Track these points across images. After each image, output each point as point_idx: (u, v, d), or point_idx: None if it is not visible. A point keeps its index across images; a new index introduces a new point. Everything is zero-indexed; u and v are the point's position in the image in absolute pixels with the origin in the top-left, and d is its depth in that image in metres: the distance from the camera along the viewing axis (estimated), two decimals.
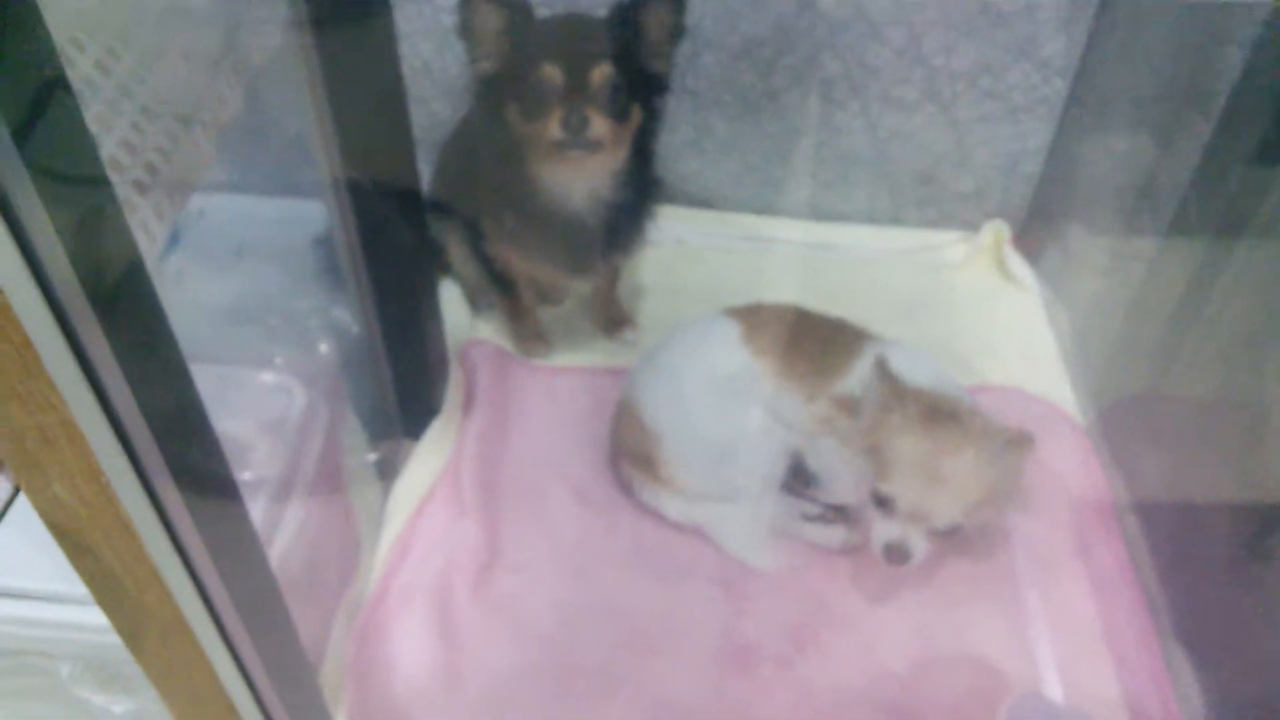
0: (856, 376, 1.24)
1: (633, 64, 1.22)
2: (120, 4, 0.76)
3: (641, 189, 1.34)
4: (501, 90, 1.24)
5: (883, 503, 1.14)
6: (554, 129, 1.19)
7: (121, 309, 0.56)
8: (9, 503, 1.02)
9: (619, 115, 1.22)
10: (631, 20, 1.21)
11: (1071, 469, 1.38)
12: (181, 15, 0.88)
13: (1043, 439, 1.35)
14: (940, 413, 1.15)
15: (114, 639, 0.98)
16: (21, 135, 0.47)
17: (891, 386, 1.15)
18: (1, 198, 0.47)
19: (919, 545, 1.14)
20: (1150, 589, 1.25)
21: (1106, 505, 1.34)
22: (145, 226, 0.66)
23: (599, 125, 1.19)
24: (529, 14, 1.22)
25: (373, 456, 1.34)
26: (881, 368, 1.16)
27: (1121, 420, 1.41)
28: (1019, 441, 1.16)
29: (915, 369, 1.23)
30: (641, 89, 1.24)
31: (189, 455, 0.61)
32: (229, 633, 0.67)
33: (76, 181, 0.53)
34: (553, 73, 1.18)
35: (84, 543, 0.56)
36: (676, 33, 1.23)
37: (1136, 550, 1.29)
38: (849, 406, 1.21)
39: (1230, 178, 1.24)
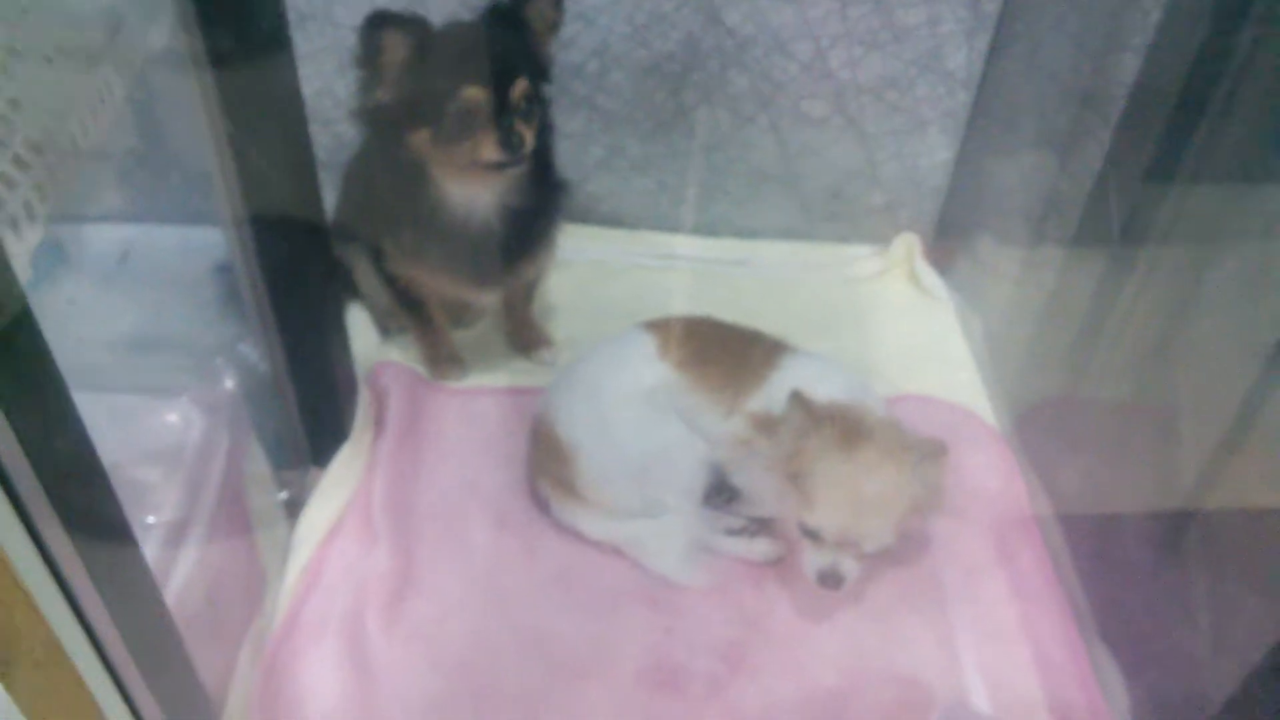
0: (773, 389, 1.23)
1: (531, 64, 1.21)
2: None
3: (546, 190, 1.33)
4: (404, 116, 1.20)
5: (810, 533, 1.14)
6: (488, 151, 1.18)
7: None
8: None
9: (536, 122, 1.21)
10: (517, 19, 1.20)
11: (990, 475, 1.38)
12: (66, 18, 0.84)
13: (960, 446, 1.36)
14: (856, 435, 1.14)
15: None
16: None
17: (807, 414, 1.14)
18: None
19: (851, 569, 1.14)
20: (1072, 591, 1.26)
21: (1026, 509, 1.35)
22: (14, 222, 0.61)
23: (529, 139, 1.19)
24: (432, 36, 1.19)
25: (278, 485, 1.29)
26: (797, 398, 1.14)
27: (1038, 425, 1.42)
28: (934, 452, 1.16)
29: (830, 381, 1.22)
30: (537, 85, 1.23)
31: (61, 467, 0.57)
32: (112, 661, 0.62)
33: None
34: (477, 95, 1.16)
35: None
36: (557, 22, 1.23)
37: (1057, 553, 1.29)
38: (767, 426, 1.20)
39: (1131, 183, 1.26)
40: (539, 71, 1.23)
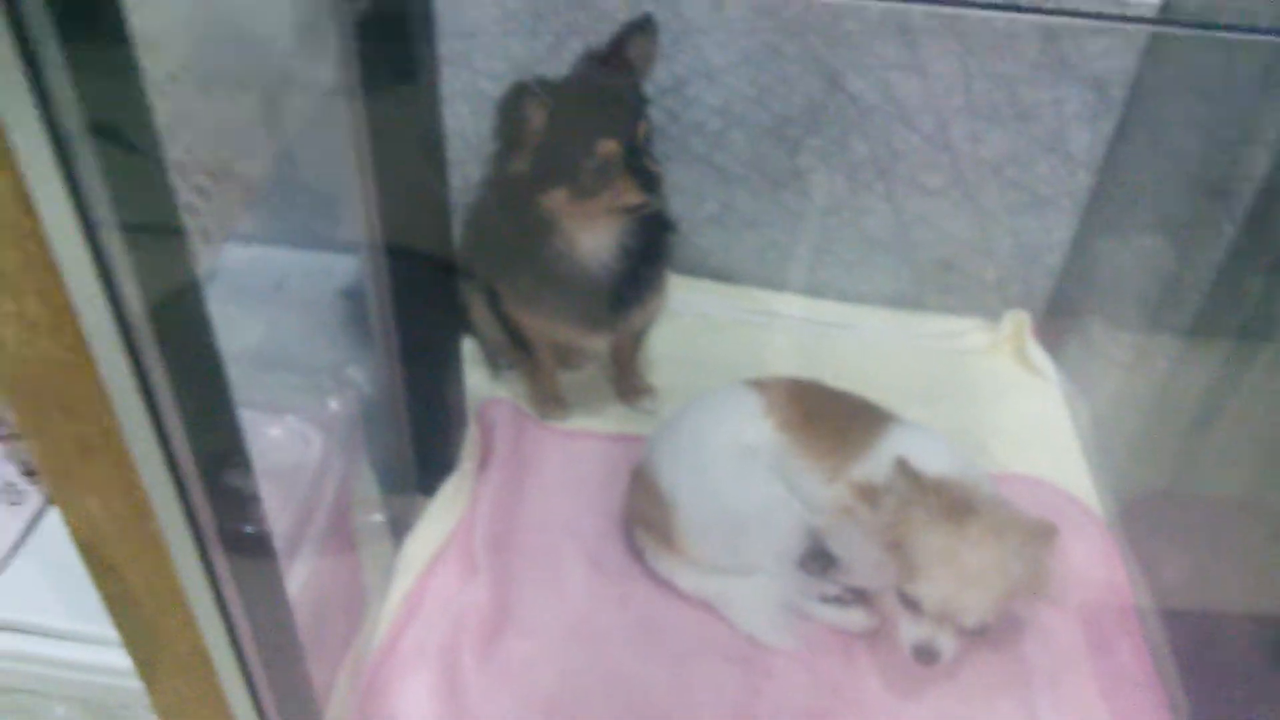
0: (878, 458, 1.22)
1: (643, 102, 1.25)
2: (186, 31, 0.77)
3: (658, 228, 1.35)
4: (539, 181, 1.22)
5: (910, 604, 1.12)
6: (630, 197, 1.21)
7: (176, 325, 0.55)
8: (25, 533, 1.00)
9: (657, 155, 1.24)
10: (621, 60, 1.23)
11: (1092, 563, 1.35)
12: (243, 53, 0.89)
13: (1063, 531, 1.34)
14: (963, 507, 1.12)
15: (114, 680, 0.95)
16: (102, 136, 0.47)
17: (913, 483, 1.13)
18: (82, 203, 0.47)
19: (948, 645, 1.12)
20: (1172, 690, 1.22)
21: (1128, 602, 1.32)
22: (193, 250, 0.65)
23: (662, 175, 1.21)
24: (562, 94, 1.21)
25: (385, 510, 1.32)
26: (903, 466, 1.14)
27: (1144, 516, 1.39)
28: (1043, 533, 1.14)
29: (937, 454, 1.21)
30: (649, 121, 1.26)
31: (227, 481, 0.60)
32: (250, 669, 0.64)
33: (145, 191, 0.53)
34: (613, 147, 1.19)
35: (109, 561, 0.54)
36: (653, 55, 1.25)
37: (1158, 649, 1.26)
38: (869, 495, 1.19)
39: (1254, 279, 1.24)
40: (645, 108, 1.26)
